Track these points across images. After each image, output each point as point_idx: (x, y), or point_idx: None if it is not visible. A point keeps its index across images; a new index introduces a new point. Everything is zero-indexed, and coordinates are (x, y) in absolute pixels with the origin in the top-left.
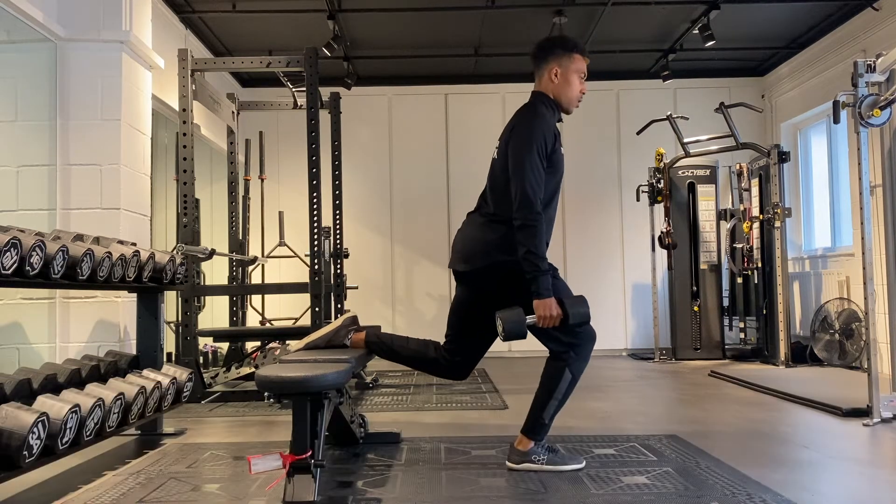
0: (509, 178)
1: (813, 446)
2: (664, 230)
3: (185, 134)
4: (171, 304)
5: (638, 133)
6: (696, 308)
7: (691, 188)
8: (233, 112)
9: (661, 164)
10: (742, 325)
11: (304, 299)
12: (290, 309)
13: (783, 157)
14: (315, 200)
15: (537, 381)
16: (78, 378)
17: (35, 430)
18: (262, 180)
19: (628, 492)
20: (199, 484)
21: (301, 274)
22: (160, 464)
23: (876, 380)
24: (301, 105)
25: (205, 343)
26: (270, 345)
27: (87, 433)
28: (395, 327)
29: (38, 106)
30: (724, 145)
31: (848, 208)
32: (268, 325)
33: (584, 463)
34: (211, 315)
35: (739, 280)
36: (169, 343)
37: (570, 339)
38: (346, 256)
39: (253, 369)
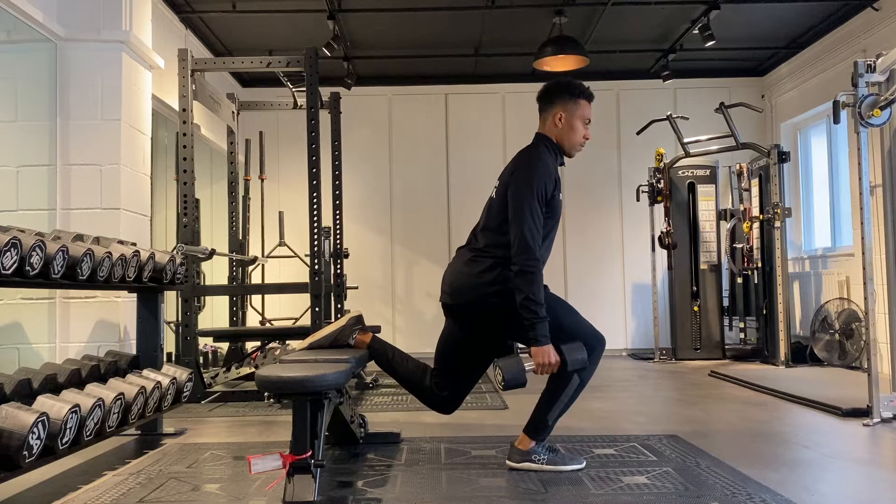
0: (506, 219)
1: (813, 446)
2: (664, 230)
3: (185, 134)
4: (171, 304)
5: (638, 133)
6: (696, 308)
7: (691, 188)
8: (233, 112)
9: (661, 164)
10: (742, 325)
11: (304, 299)
12: (290, 309)
13: (783, 157)
14: (315, 200)
15: (538, 380)
16: (78, 378)
17: (35, 430)
18: (262, 180)
19: (628, 492)
20: (199, 484)
21: (301, 274)
22: (160, 464)
23: (876, 380)
24: (301, 105)
25: (205, 343)
26: (270, 345)
27: (87, 433)
28: (395, 327)
29: (38, 106)
30: (724, 145)
31: (848, 208)
32: (268, 325)
33: (584, 463)
34: (211, 315)
35: (739, 280)
36: (169, 343)
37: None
38: (346, 256)
39: (253, 369)
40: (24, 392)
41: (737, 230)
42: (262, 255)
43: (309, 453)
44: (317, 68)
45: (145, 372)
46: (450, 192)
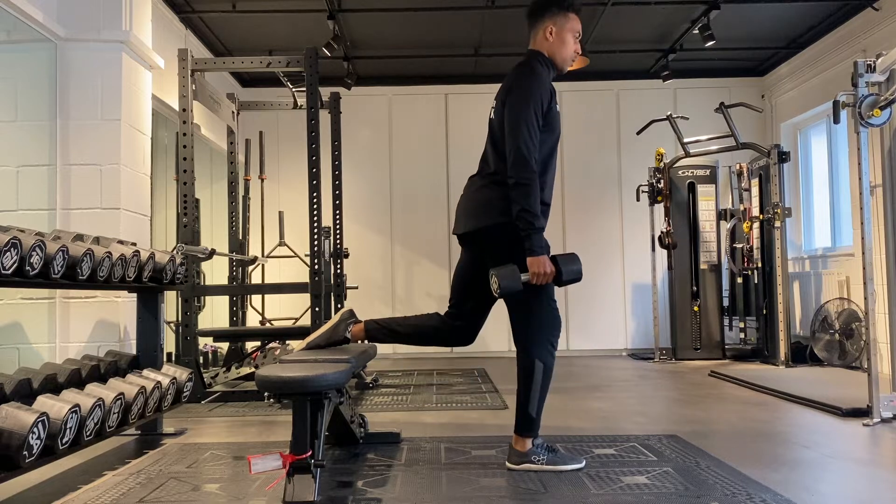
0: (506, 136)
1: (813, 446)
2: (664, 230)
3: (185, 134)
4: (171, 304)
5: (638, 133)
6: (696, 308)
7: (691, 188)
8: (233, 112)
9: (661, 164)
10: (742, 325)
11: (304, 299)
12: (290, 309)
13: (783, 157)
14: (315, 200)
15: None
16: (78, 378)
17: (35, 430)
18: (262, 180)
19: (628, 492)
20: (199, 484)
21: (301, 274)
22: (160, 464)
23: (876, 380)
24: (301, 105)
25: (205, 343)
26: (270, 345)
27: (87, 433)
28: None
29: (38, 106)
30: (724, 145)
31: (848, 208)
32: (268, 325)
33: (584, 463)
34: (211, 315)
35: (739, 280)
36: (169, 343)
37: (535, 326)
38: (346, 256)
39: (253, 369)
40: (24, 392)
41: (737, 230)
42: (262, 255)
43: (309, 453)
44: (317, 68)
45: (145, 372)
46: (450, 192)
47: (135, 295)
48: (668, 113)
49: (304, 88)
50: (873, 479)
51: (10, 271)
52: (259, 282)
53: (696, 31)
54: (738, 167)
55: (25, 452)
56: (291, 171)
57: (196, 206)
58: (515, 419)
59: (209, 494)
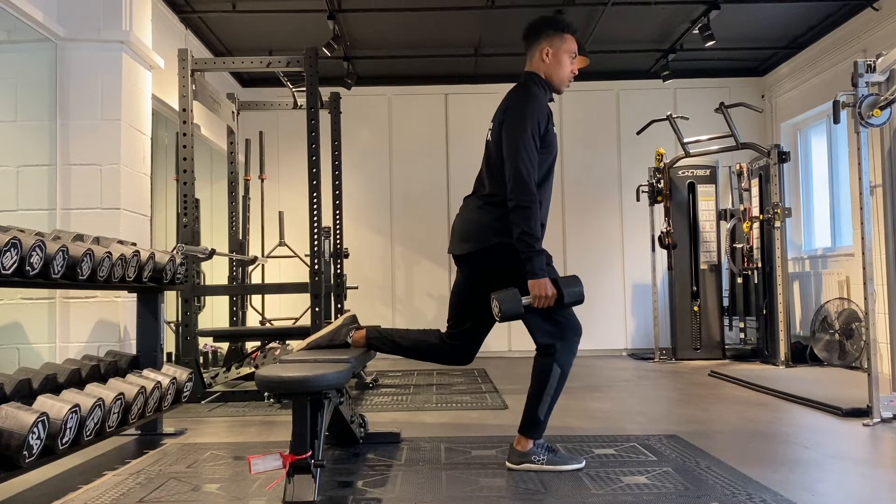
0: (503, 159)
1: (813, 446)
2: (664, 230)
3: (185, 134)
4: (171, 304)
5: (638, 133)
6: (696, 308)
7: (691, 188)
8: (233, 112)
9: (661, 164)
10: (742, 325)
11: (304, 299)
12: (290, 309)
13: (783, 157)
14: (315, 200)
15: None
16: (78, 378)
17: (35, 430)
18: (262, 180)
19: (628, 492)
20: (199, 484)
21: (301, 274)
22: (160, 464)
23: (876, 380)
24: (301, 105)
25: (205, 343)
26: (270, 345)
27: (87, 433)
28: (395, 327)
29: (38, 106)
30: (724, 145)
31: (848, 208)
32: (268, 325)
33: (584, 463)
34: (211, 315)
35: (739, 280)
36: (169, 343)
37: (556, 332)
38: (346, 256)
39: (253, 369)
40: (24, 392)
41: (737, 230)
42: (262, 255)
43: (309, 453)
44: (317, 68)
45: (145, 372)
46: (450, 191)
47: (135, 295)
48: (668, 113)
49: (304, 88)
50: (873, 479)
51: (10, 271)
52: (259, 282)
53: (696, 31)
54: (738, 167)
55: (25, 452)
56: (291, 171)
57: (196, 206)
58: (522, 419)
59: (209, 494)
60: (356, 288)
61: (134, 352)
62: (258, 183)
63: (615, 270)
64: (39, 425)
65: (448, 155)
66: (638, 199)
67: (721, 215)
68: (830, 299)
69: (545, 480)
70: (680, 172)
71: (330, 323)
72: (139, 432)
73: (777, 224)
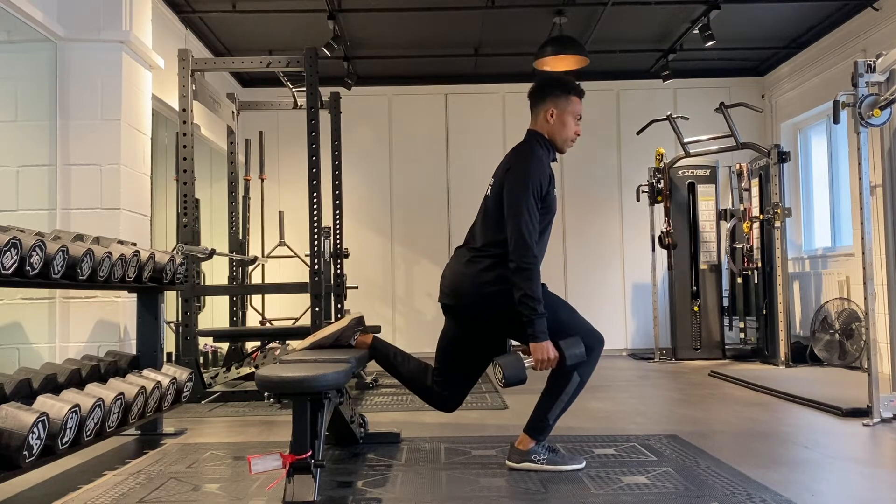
0: (502, 215)
1: (813, 446)
2: (664, 230)
3: (185, 134)
4: (171, 304)
5: (638, 133)
6: (696, 308)
7: (691, 188)
8: (233, 112)
9: (661, 164)
10: (742, 325)
11: (304, 299)
12: (290, 309)
13: (783, 157)
14: (315, 200)
15: (537, 380)
16: (78, 378)
17: (35, 430)
18: (262, 180)
19: (628, 492)
20: (199, 484)
21: (301, 274)
22: (160, 464)
23: (876, 380)
24: (301, 105)
25: (205, 343)
26: (270, 345)
27: (87, 433)
28: (395, 327)
29: (38, 106)
30: (724, 145)
31: (848, 208)
32: (268, 325)
33: (584, 463)
34: (211, 315)
35: (739, 280)
36: (169, 343)
37: (586, 343)
38: (346, 256)
39: (253, 369)
40: (24, 392)
41: (737, 230)
42: (262, 255)
43: (309, 453)
44: (317, 68)
45: (145, 372)
46: (450, 192)
47: (135, 295)
48: (668, 113)
49: (304, 88)
50: (873, 479)
51: (10, 271)
52: (259, 282)
53: (696, 31)
54: (738, 167)
55: (25, 452)
56: (291, 171)
57: (196, 206)
58: (530, 419)
59: (209, 494)
60: (356, 288)
61: (134, 352)
62: (258, 183)
63: (615, 270)
64: (39, 425)
65: (448, 155)
66: (638, 199)
67: (721, 215)
68: (830, 299)
69: (545, 480)
70: (680, 172)
71: (331, 323)
72: (139, 432)
73: (777, 224)
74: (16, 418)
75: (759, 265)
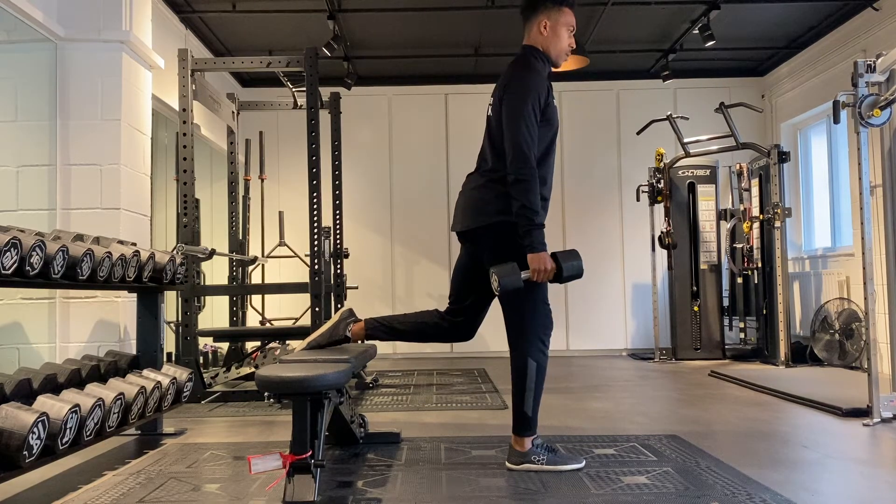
0: (503, 132)
1: (813, 446)
2: (664, 230)
3: (185, 134)
4: (171, 304)
5: (638, 133)
6: (696, 308)
7: (691, 188)
8: (233, 112)
9: (661, 164)
10: (742, 325)
11: (304, 299)
12: (290, 309)
13: (783, 157)
14: (315, 200)
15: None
16: (78, 378)
17: (35, 430)
18: (262, 180)
19: (628, 492)
20: (199, 484)
21: (301, 274)
22: (160, 464)
23: (876, 380)
24: (301, 105)
25: (205, 343)
26: (270, 345)
27: (87, 433)
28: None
29: (38, 106)
30: (724, 145)
31: (848, 208)
32: (268, 325)
33: (584, 463)
34: (211, 315)
35: (739, 280)
36: (169, 343)
37: (528, 327)
38: (346, 256)
39: (253, 369)
40: (24, 392)
41: (737, 230)
42: (262, 255)
43: (309, 453)
44: (317, 68)
45: (145, 372)
46: (450, 192)
47: (135, 295)
48: (668, 113)
49: (304, 88)
50: (873, 479)
51: (10, 271)
52: (259, 282)
53: (696, 31)
54: (738, 167)
55: (25, 452)
56: (291, 171)
57: (196, 206)
58: (513, 420)
59: (209, 494)
60: (356, 288)
61: (134, 352)
62: (258, 183)
63: (615, 270)
64: (39, 425)
65: (448, 155)
66: (638, 199)
67: (721, 215)
68: (830, 299)
69: (545, 480)
70: (680, 172)
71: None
72: (139, 432)
73: (777, 224)
74: (16, 418)
75: (759, 265)
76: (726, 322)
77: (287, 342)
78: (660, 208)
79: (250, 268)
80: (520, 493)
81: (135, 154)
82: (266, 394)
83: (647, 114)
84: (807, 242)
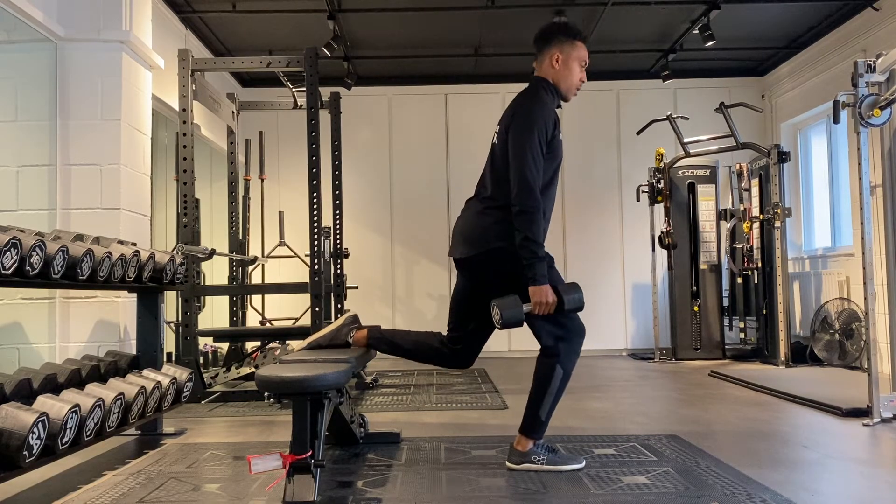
0: (509, 162)
1: (813, 446)
2: (664, 230)
3: (185, 134)
4: (171, 304)
5: (638, 133)
6: (696, 308)
7: (691, 188)
8: (233, 112)
9: (661, 164)
10: (742, 325)
11: (304, 299)
12: (290, 309)
13: (783, 157)
14: (315, 200)
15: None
16: (78, 378)
17: (35, 430)
18: (262, 180)
19: (628, 492)
20: (199, 484)
21: (301, 274)
22: (160, 464)
23: (876, 380)
24: (301, 105)
25: (205, 343)
26: (270, 345)
27: (87, 433)
28: (395, 327)
29: (38, 106)
30: (724, 145)
31: (848, 208)
32: (268, 325)
33: (584, 463)
34: (211, 315)
35: (739, 280)
36: (169, 343)
37: (560, 333)
38: (346, 256)
39: (253, 369)
40: (24, 392)
41: (737, 230)
42: (262, 255)
43: (309, 453)
44: (317, 68)
45: (145, 372)
46: (450, 191)
47: (135, 295)
48: (668, 113)
49: (304, 88)
50: (873, 479)
51: (10, 271)
52: (259, 282)
53: (696, 31)
54: (738, 167)
55: (25, 452)
56: (291, 171)
57: (196, 206)
58: (523, 419)
59: (209, 494)
60: (356, 288)
61: (134, 352)
62: (258, 183)
63: (615, 270)
64: (39, 425)
65: (448, 155)
66: (638, 199)
67: (721, 215)
68: (830, 299)
69: (545, 480)
70: (680, 172)
71: (330, 323)
72: (139, 432)
73: (777, 224)
74: (16, 418)
75: (759, 265)
76: (726, 322)
77: (287, 342)
78: (660, 208)
79: (250, 268)
80: (520, 493)
81: (135, 154)
82: (266, 394)
83: (647, 114)
84: (807, 242)
